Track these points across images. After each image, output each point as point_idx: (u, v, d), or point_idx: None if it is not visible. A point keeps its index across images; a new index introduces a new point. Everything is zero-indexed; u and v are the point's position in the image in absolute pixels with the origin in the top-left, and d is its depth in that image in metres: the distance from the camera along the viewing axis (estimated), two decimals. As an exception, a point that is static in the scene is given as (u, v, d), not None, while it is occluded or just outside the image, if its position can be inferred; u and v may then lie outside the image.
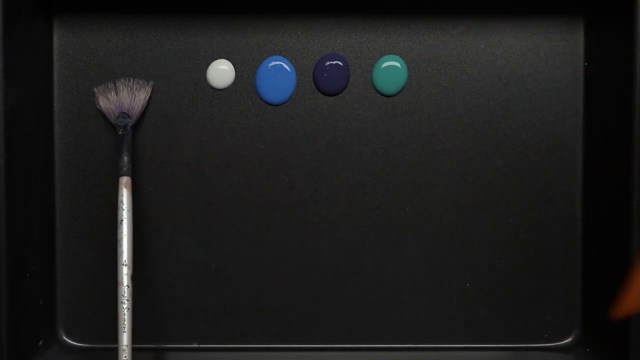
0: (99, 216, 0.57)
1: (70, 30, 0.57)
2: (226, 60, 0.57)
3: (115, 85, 0.56)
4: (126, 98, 0.56)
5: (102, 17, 0.57)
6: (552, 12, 0.57)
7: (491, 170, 0.57)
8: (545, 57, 0.57)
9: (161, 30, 0.57)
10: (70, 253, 0.58)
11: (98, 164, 0.57)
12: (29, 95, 0.54)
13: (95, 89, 0.57)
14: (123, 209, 0.54)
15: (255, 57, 0.57)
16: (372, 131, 0.57)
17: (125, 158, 0.55)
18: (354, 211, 0.57)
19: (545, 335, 0.58)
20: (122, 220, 0.53)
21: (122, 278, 0.52)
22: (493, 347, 0.58)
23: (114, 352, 0.52)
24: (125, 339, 0.52)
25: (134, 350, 0.53)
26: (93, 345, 0.58)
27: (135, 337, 0.53)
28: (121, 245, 0.53)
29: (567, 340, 0.58)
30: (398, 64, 0.57)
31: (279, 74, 0.57)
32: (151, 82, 0.57)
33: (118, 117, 0.56)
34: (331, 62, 0.57)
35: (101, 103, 0.56)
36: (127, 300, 0.52)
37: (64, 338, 0.58)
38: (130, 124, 0.56)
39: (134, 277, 0.53)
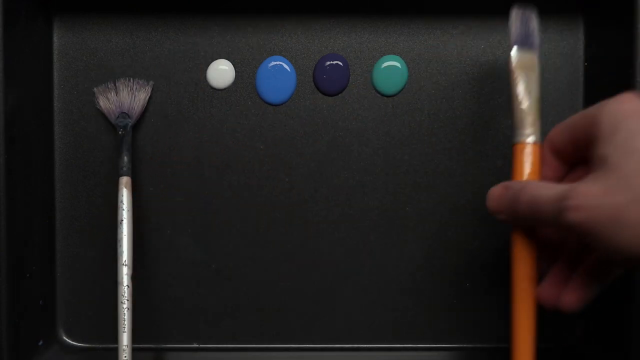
0: (99, 216, 0.57)
1: (70, 30, 0.57)
2: (226, 60, 0.57)
3: (115, 85, 0.56)
4: (126, 98, 0.56)
5: (102, 17, 0.57)
6: (552, 12, 0.57)
7: (491, 170, 0.57)
8: (545, 57, 0.57)
9: (161, 30, 0.57)
10: (70, 253, 0.58)
11: (98, 164, 0.57)
12: (29, 95, 0.54)
13: (95, 89, 0.57)
14: (123, 209, 0.54)
15: (255, 57, 0.57)
16: (372, 131, 0.57)
17: (125, 158, 0.55)
18: (354, 211, 0.57)
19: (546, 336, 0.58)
20: (122, 220, 0.53)
21: (122, 278, 0.52)
22: (494, 347, 0.58)
23: (114, 352, 0.53)
24: (125, 339, 0.52)
25: (134, 350, 0.53)
26: (93, 345, 0.58)
27: (135, 337, 0.53)
28: (121, 245, 0.53)
29: (567, 340, 0.58)
30: (398, 64, 0.57)
31: (279, 74, 0.57)
32: (151, 82, 0.57)
33: (118, 117, 0.56)
34: (331, 62, 0.57)
35: (101, 103, 0.56)
36: (127, 300, 0.52)
37: (64, 338, 0.58)
38: (130, 124, 0.56)
39: (134, 277, 0.53)
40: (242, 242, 0.57)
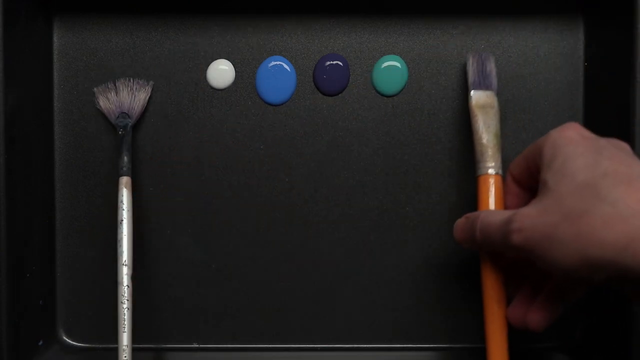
0: (99, 216, 0.57)
1: (70, 30, 0.57)
2: (226, 60, 0.57)
3: (115, 85, 0.56)
4: (126, 98, 0.56)
5: (102, 17, 0.57)
6: (552, 12, 0.57)
7: (491, 170, 0.57)
8: (545, 57, 0.57)
9: (161, 30, 0.57)
10: (70, 253, 0.58)
11: (98, 164, 0.57)
12: (29, 95, 0.54)
13: (95, 89, 0.57)
14: (123, 209, 0.54)
15: (255, 57, 0.57)
16: (372, 131, 0.57)
17: (125, 158, 0.55)
18: (354, 211, 0.57)
19: (545, 336, 0.58)
20: (122, 220, 0.53)
21: (122, 278, 0.52)
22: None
23: (114, 352, 0.52)
24: (125, 339, 0.52)
25: (134, 350, 0.53)
26: (93, 345, 0.58)
27: (135, 337, 0.53)
28: (121, 245, 0.53)
29: (567, 340, 0.58)
30: (398, 64, 0.57)
31: (279, 74, 0.57)
32: (151, 82, 0.57)
33: (118, 117, 0.56)
34: (331, 62, 0.57)
35: (101, 103, 0.56)
36: (127, 300, 0.52)
37: (64, 338, 0.58)
38: (130, 124, 0.56)
39: (134, 277, 0.53)
40: (242, 242, 0.57)
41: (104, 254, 0.57)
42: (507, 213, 0.45)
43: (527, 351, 0.57)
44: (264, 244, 0.57)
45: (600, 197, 0.40)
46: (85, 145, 0.57)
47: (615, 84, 0.53)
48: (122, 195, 0.54)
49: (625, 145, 0.45)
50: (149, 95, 0.57)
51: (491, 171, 0.52)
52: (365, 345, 0.58)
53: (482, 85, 0.54)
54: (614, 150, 0.43)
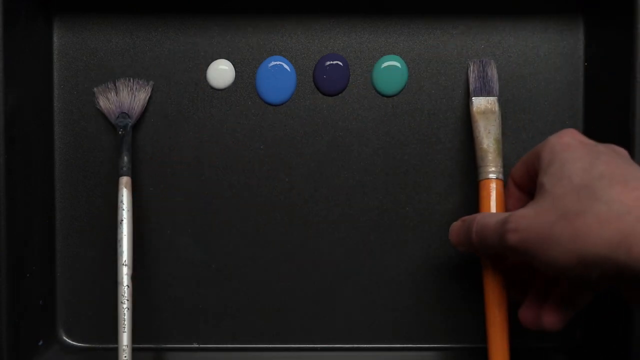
0: (99, 216, 0.57)
1: (70, 30, 0.57)
2: (226, 60, 0.57)
3: (115, 85, 0.56)
4: (126, 98, 0.56)
5: (102, 17, 0.57)
6: (552, 12, 0.57)
7: (491, 170, 0.57)
8: (545, 57, 0.57)
9: (161, 30, 0.57)
10: (70, 253, 0.58)
11: (98, 164, 0.57)
12: (29, 95, 0.54)
13: (95, 89, 0.57)
14: (123, 209, 0.54)
15: (255, 57, 0.57)
16: (372, 131, 0.57)
17: (125, 158, 0.55)
18: (354, 211, 0.57)
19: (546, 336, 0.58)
20: (122, 220, 0.53)
21: (122, 278, 0.52)
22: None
23: (114, 352, 0.52)
24: (125, 339, 0.52)
25: (134, 350, 0.53)
26: (93, 345, 0.58)
27: (135, 337, 0.53)
28: (121, 245, 0.53)
29: (567, 341, 0.58)
30: (398, 64, 0.57)
31: (279, 74, 0.57)
32: (151, 82, 0.57)
33: (118, 117, 0.56)
34: (331, 62, 0.57)
35: (101, 103, 0.56)
36: (127, 300, 0.52)
37: (64, 338, 0.58)
38: (130, 124, 0.56)
39: (134, 277, 0.53)
40: (242, 242, 0.57)
41: (104, 254, 0.57)
42: (503, 215, 0.45)
43: (527, 351, 0.57)
44: (264, 244, 0.57)
45: (596, 197, 0.40)
46: (85, 145, 0.57)
47: (615, 84, 0.53)
48: (122, 195, 0.54)
49: (623, 151, 0.45)
50: (149, 95, 0.57)
51: (492, 176, 0.52)
52: (365, 345, 0.58)
53: (483, 91, 0.55)
54: (612, 154, 0.43)
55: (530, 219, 0.43)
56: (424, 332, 0.58)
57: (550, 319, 0.46)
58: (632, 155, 0.51)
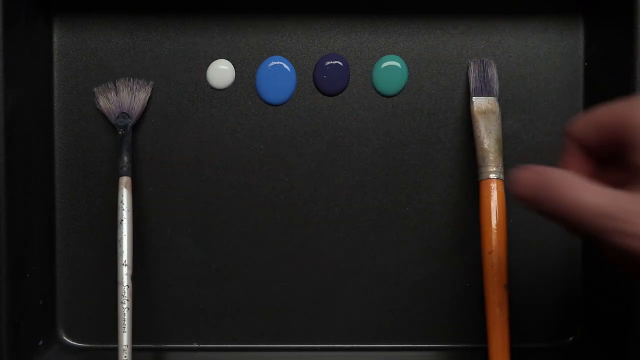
0: (99, 216, 0.57)
1: (70, 30, 0.57)
2: (226, 60, 0.57)
3: (115, 85, 0.56)
4: (126, 98, 0.56)
5: (102, 17, 0.57)
6: (552, 12, 0.57)
7: (491, 170, 0.57)
8: (545, 57, 0.57)
9: (161, 30, 0.57)
10: (70, 253, 0.58)
11: (98, 164, 0.57)
12: (29, 95, 0.54)
13: (95, 89, 0.57)
14: (123, 209, 0.54)
15: (255, 57, 0.57)
16: (372, 131, 0.57)
17: (125, 158, 0.55)
18: (354, 211, 0.57)
19: (546, 336, 0.58)
20: (122, 220, 0.53)
21: (122, 278, 0.52)
22: (493, 347, 0.58)
23: (114, 352, 0.52)
24: (125, 339, 0.52)
25: (134, 350, 0.53)
26: (93, 345, 0.58)
27: (135, 337, 0.53)
28: (121, 245, 0.53)
29: (567, 341, 0.58)
30: (398, 64, 0.57)
31: (279, 74, 0.57)
32: (151, 82, 0.57)
33: (118, 117, 0.56)
34: (331, 62, 0.57)
35: (101, 103, 0.56)
36: (127, 300, 0.52)
37: (64, 338, 0.58)
38: (130, 124, 0.56)
39: (134, 277, 0.53)
40: (242, 242, 0.57)
41: (104, 254, 0.57)
42: (603, 199, 0.36)
43: (527, 351, 0.57)
44: (264, 244, 0.57)
45: None
46: (85, 145, 0.57)
47: (615, 84, 0.53)
48: (122, 195, 0.54)
49: None
50: (149, 95, 0.57)
51: (493, 176, 0.52)
52: (365, 345, 0.58)
53: (484, 91, 0.55)
54: None
55: None
56: (424, 332, 0.58)
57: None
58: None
